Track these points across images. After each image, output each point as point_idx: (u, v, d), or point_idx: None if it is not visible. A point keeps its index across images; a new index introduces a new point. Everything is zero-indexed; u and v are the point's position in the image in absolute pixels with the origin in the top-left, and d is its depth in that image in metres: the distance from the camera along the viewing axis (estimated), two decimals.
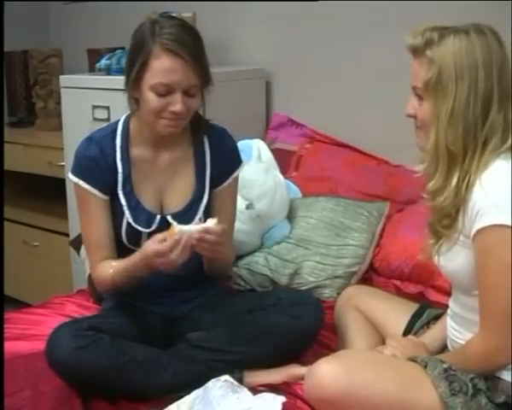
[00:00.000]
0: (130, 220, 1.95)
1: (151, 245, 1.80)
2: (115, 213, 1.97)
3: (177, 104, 1.83)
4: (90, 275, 2.29)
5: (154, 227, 1.95)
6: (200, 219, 1.97)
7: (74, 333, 1.79)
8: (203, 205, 2.00)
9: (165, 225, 1.88)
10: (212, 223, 1.81)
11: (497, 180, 1.54)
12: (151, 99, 1.84)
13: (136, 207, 1.96)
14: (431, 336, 1.88)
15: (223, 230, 1.80)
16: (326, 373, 1.59)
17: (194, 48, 1.84)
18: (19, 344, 2.05)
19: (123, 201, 1.96)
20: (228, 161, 2.06)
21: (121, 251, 1.96)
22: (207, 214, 1.98)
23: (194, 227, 1.81)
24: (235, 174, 2.08)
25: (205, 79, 1.89)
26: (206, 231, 1.78)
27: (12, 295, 3.60)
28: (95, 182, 1.94)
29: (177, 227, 1.78)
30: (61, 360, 1.77)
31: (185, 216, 1.95)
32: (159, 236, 1.81)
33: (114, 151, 1.97)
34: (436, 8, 2.56)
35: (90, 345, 1.78)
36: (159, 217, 1.96)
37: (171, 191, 2.00)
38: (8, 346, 1.96)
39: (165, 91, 1.83)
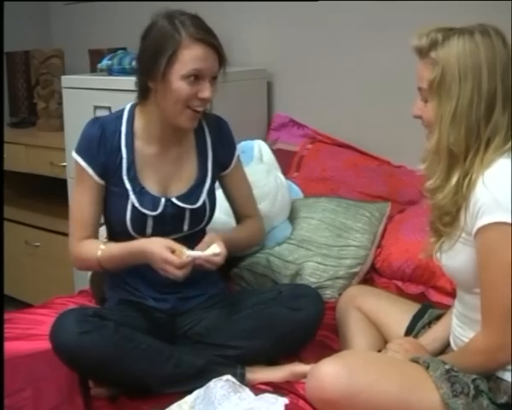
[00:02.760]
0: (137, 204, 1.97)
1: (162, 250, 1.84)
2: (119, 199, 1.99)
3: (205, 91, 1.90)
4: (92, 276, 2.29)
5: (159, 210, 1.98)
6: (204, 202, 2.03)
7: (79, 318, 1.80)
8: (206, 188, 2.05)
9: (170, 209, 1.96)
10: (216, 250, 1.88)
11: (500, 178, 1.54)
12: (182, 88, 1.89)
13: (140, 191, 1.99)
14: (431, 337, 1.88)
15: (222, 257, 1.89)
16: (328, 374, 1.59)
17: (215, 35, 1.93)
18: (20, 344, 2.05)
19: (128, 185, 1.99)
20: (228, 145, 2.13)
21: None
22: (211, 197, 2.05)
23: (201, 254, 1.88)
24: (236, 154, 2.15)
25: (225, 63, 1.96)
26: (209, 261, 1.88)
27: (13, 296, 3.61)
28: (92, 161, 1.98)
29: (186, 253, 1.84)
30: (65, 343, 1.78)
31: (189, 199, 2.01)
32: (171, 242, 1.86)
33: (118, 136, 2.00)
34: (437, 9, 2.56)
35: (94, 330, 1.78)
36: (163, 200, 1.99)
37: (175, 178, 2.04)
38: (10, 346, 1.96)
39: (195, 79, 1.89)
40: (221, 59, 1.93)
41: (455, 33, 1.59)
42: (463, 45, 1.58)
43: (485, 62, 1.56)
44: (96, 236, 2.01)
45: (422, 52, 1.63)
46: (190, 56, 1.87)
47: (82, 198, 2.00)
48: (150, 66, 1.91)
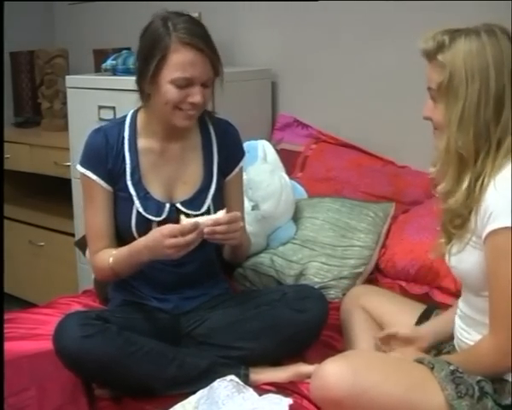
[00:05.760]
0: (141, 210, 1.97)
1: (161, 229, 1.83)
2: (124, 204, 1.99)
3: (196, 96, 1.89)
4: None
5: (164, 216, 1.98)
6: (208, 207, 2.01)
7: (82, 322, 1.80)
8: (211, 193, 2.03)
9: (174, 214, 1.93)
10: (221, 214, 1.85)
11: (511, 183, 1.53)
12: (170, 91, 1.88)
13: (144, 196, 1.99)
14: (428, 328, 1.89)
15: (231, 218, 1.83)
16: (332, 373, 1.59)
17: (208, 40, 1.91)
18: (24, 344, 2.05)
19: (132, 191, 1.99)
20: (233, 151, 2.12)
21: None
22: (216, 203, 2.02)
23: (203, 218, 1.85)
24: (240, 164, 2.14)
25: (218, 70, 1.94)
26: (216, 222, 1.82)
27: (17, 295, 3.61)
28: (100, 171, 1.98)
29: (185, 220, 1.83)
30: (68, 347, 1.78)
31: (194, 204, 2.00)
32: (171, 225, 1.85)
33: (122, 142, 2.00)
34: (437, 9, 2.56)
35: (97, 334, 1.78)
36: (168, 205, 1.99)
37: (180, 181, 2.03)
38: (14, 345, 1.97)
39: (185, 84, 1.88)
40: (214, 65, 1.91)
41: (461, 35, 1.59)
42: (470, 46, 1.57)
43: (493, 62, 1.56)
44: (113, 244, 1.99)
45: (430, 55, 1.62)
46: (178, 61, 1.86)
47: (93, 210, 2.00)
48: (142, 67, 1.92)
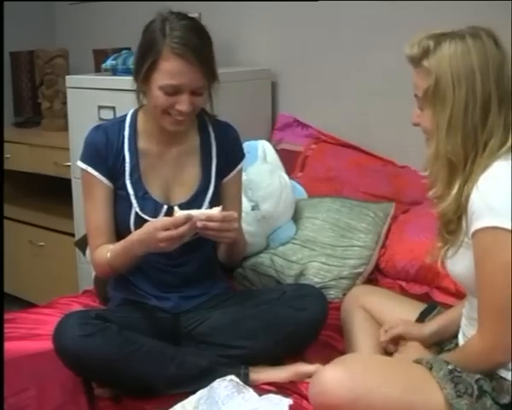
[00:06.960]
0: (138, 210, 1.98)
1: (153, 222, 1.86)
2: (123, 203, 2.00)
3: (184, 104, 1.89)
4: (96, 276, 2.29)
5: (160, 217, 1.98)
6: (206, 209, 2.00)
7: (82, 321, 1.81)
8: (209, 196, 2.04)
9: (171, 216, 1.92)
10: (216, 210, 1.85)
11: (493, 182, 1.54)
12: (159, 97, 1.89)
13: (143, 196, 2.00)
14: (432, 328, 1.89)
15: (226, 216, 1.84)
16: (330, 379, 1.58)
17: (202, 51, 1.89)
18: (24, 344, 2.05)
19: (130, 190, 1.99)
20: (232, 153, 2.11)
21: None
22: (214, 206, 2.00)
23: (197, 212, 1.85)
24: (239, 166, 2.13)
25: (212, 79, 1.95)
26: (209, 218, 1.82)
27: (17, 295, 3.62)
28: (100, 168, 1.99)
29: (179, 212, 1.83)
30: (68, 346, 1.78)
31: (191, 206, 1.99)
32: (164, 218, 1.88)
33: (122, 141, 2.01)
34: (437, 9, 2.56)
35: (96, 333, 1.79)
36: (165, 207, 2.00)
37: (178, 182, 2.04)
38: (14, 345, 1.97)
39: (173, 91, 1.88)
40: (206, 74, 1.90)
41: (446, 39, 1.58)
42: (455, 51, 1.56)
43: (478, 66, 1.55)
44: (112, 241, 2.00)
45: (415, 61, 1.62)
46: (167, 69, 1.86)
47: (93, 207, 2.00)
48: (138, 64, 1.93)
